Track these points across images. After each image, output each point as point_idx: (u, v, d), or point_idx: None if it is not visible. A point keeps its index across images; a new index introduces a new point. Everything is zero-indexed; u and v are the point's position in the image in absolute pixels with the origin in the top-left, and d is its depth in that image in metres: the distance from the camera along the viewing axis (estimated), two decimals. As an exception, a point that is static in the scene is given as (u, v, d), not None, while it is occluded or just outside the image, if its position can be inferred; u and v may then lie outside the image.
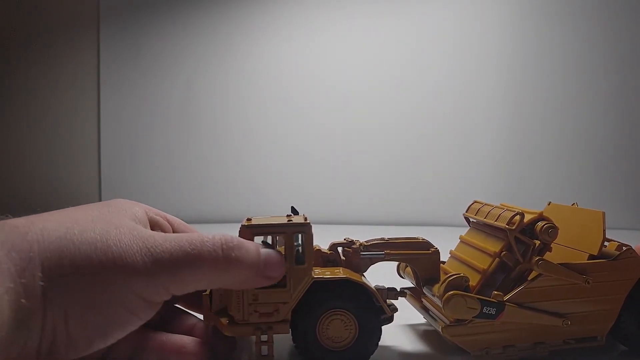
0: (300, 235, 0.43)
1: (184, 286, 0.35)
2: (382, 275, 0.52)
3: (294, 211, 0.48)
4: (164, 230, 0.44)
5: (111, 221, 0.35)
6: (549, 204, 0.58)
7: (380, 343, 0.45)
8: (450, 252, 0.55)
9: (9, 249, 0.30)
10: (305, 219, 0.44)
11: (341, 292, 0.44)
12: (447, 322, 0.45)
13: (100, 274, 0.32)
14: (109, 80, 1.34)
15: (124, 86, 1.34)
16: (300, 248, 0.43)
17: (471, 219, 0.55)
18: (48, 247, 0.31)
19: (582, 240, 0.50)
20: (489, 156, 1.29)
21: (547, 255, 0.53)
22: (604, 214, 0.49)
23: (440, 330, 0.45)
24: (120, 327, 0.34)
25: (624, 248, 0.48)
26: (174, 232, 0.45)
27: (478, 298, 0.44)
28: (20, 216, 0.35)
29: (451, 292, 0.44)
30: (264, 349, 0.42)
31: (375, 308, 0.45)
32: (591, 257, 0.48)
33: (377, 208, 1.29)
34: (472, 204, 0.56)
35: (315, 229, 0.44)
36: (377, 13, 1.28)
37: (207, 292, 0.44)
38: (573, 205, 0.54)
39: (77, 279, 0.32)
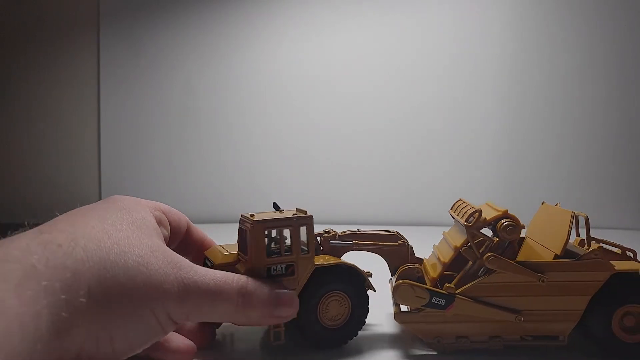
0: (305, 227, 0.47)
1: (201, 317, 0.41)
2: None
3: (276, 207, 0.53)
4: (165, 227, 0.48)
5: (145, 242, 0.40)
6: (542, 204, 0.57)
7: (371, 333, 0.49)
8: (433, 247, 0.58)
9: (55, 266, 0.32)
10: (305, 212, 0.48)
11: (338, 276, 0.48)
12: (401, 309, 0.49)
13: (144, 297, 0.37)
14: (109, 80, 1.34)
15: (124, 86, 1.34)
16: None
17: (452, 216, 0.57)
18: (93, 267, 0.34)
19: (552, 240, 0.49)
20: (488, 157, 1.24)
21: (522, 252, 0.54)
22: (572, 213, 0.48)
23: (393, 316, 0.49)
24: (153, 339, 0.40)
25: (597, 249, 0.47)
26: (170, 225, 0.49)
27: (427, 288, 0.47)
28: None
29: (400, 281, 0.47)
30: (276, 334, 0.47)
31: (364, 288, 0.49)
32: (560, 256, 0.48)
33: (375, 208, 1.28)
34: (457, 201, 0.57)
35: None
36: (377, 13, 1.26)
37: None
38: (556, 206, 0.53)
39: (121, 297, 0.35)
